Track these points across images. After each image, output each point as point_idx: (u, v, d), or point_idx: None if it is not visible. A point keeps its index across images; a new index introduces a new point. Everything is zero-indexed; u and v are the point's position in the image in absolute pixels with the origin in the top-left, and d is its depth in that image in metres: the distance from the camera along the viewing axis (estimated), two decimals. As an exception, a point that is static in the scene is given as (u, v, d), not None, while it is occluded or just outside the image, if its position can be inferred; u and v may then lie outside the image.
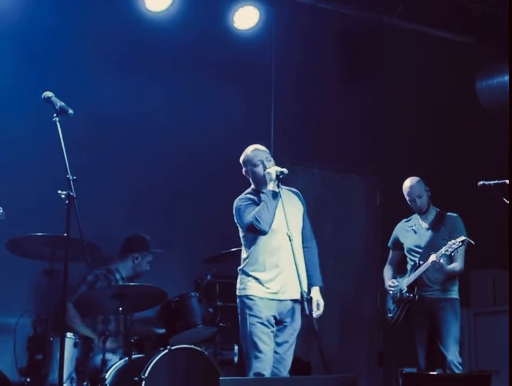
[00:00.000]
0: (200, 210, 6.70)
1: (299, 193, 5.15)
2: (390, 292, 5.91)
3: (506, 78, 7.27)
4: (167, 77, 6.74)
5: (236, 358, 6.01)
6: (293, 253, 4.65)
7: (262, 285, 4.80)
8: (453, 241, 5.46)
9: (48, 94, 4.45)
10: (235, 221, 4.94)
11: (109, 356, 5.31)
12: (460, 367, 5.58)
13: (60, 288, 4.35)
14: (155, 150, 6.62)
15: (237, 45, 6.83)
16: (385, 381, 7.64)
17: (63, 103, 4.43)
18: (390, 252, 6.13)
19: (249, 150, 5.02)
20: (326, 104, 7.55)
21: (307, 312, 4.52)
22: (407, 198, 5.87)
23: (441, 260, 5.48)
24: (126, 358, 5.28)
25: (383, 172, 7.87)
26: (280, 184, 4.84)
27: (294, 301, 4.82)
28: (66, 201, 4.33)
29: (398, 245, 6.02)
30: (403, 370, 6.15)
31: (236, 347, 6.03)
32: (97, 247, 5.21)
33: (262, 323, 4.75)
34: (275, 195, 4.78)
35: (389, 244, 6.12)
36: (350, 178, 7.94)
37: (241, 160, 5.04)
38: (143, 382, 5.07)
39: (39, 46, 6.14)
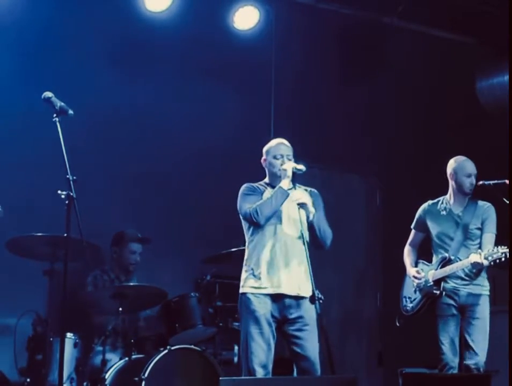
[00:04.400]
0: (201, 211, 6.71)
1: (316, 193, 5.08)
2: (415, 282, 5.64)
3: (506, 77, 7.26)
4: (167, 77, 6.74)
5: (236, 358, 6.01)
6: (306, 255, 4.65)
7: (258, 279, 4.79)
8: (495, 250, 5.24)
9: (48, 94, 4.46)
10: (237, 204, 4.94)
11: (109, 356, 5.32)
12: (483, 368, 5.44)
13: (60, 288, 4.35)
14: (155, 150, 6.63)
15: (237, 45, 6.83)
16: (385, 381, 7.64)
17: (62, 104, 4.44)
18: (413, 233, 5.84)
19: (275, 142, 5.04)
20: (326, 104, 7.55)
21: (318, 311, 4.52)
22: (464, 173, 5.55)
23: (484, 262, 5.27)
24: (126, 358, 5.29)
25: (383, 172, 7.88)
26: (296, 183, 4.83)
27: (297, 297, 4.79)
28: (66, 201, 4.34)
29: (423, 227, 5.74)
30: (403, 370, 6.13)
31: (236, 347, 6.02)
32: (97, 247, 5.21)
33: (256, 322, 4.73)
34: (285, 193, 4.78)
35: (413, 225, 5.83)
36: (350, 178, 7.94)
37: (264, 149, 5.04)
38: (143, 382, 5.07)
39: (39, 46, 6.14)
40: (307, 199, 4.90)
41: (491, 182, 5.52)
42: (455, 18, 7.25)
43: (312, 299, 4.56)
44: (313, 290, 4.56)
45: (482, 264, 5.29)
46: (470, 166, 5.60)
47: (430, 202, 5.78)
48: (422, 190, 7.53)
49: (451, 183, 5.67)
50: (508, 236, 5.41)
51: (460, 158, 5.67)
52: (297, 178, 4.85)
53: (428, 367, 6.36)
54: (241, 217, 4.92)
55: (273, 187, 4.92)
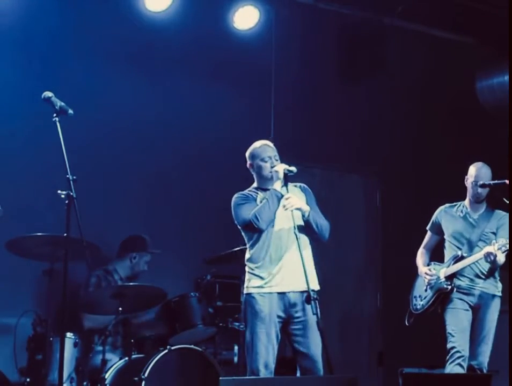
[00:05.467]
0: (201, 210, 6.71)
1: (305, 187, 5.05)
2: (426, 280, 5.64)
3: (506, 77, 7.27)
4: (167, 77, 6.74)
5: (236, 358, 6.01)
6: (300, 251, 4.64)
7: (263, 280, 4.77)
8: (508, 242, 5.27)
9: (48, 94, 4.46)
10: (233, 216, 4.92)
11: (109, 356, 5.32)
12: (486, 369, 5.46)
13: (60, 288, 4.35)
14: (155, 150, 6.63)
15: (237, 45, 6.83)
16: (385, 381, 7.64)
17: (62, 103, 4.44)
18: (428, 236, 5.83)
19: (258, 144, 4.97)
20: (326, 104, 7.55)
21: (313, 312, 4.51)
22: (473, 180, 5.54)
23: (497, 253, 5.28)
24: (126, 358, 5.29)
25: (383, 172, 7.88)
26: (287, 183, 4.80)
27: (301, 292, 4.74)
28: (66, 201, 4.33)
29: (438, 229, 5.74)
30: (403, 370, 6.12)
31: (236, 347, 6.03)
32: (97, 247, 5.21)
33: (262, 322, 4.73)
34: (279, 195, 4.75)
35: (429, 227, 5.81)
36: (350, 178, 7.94)
37: (247, 153, 4.98)
38: (143, 382, 5.07)
39: (40, 46, 6.14)
40: (299, 198, 4.87)
41: (491, 182, 5.52)
42: (455, 18, 7.26)
43: (308, 299, 4.56)
44: (308, 291, 4.56)
45: (496, 255, 5.29)
46: (482, 175, 5.55)
47: (447, 205, 5.78)
48: (422, 190, 7.56)
49: (467, 189, 5.68)
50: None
51: (477, 165, 5.63)
52: (291, 178, 4.82)
53: (428, 367, 6.36)
54: (239, 227, 4.88)
55: (264, 190, 4.88)
